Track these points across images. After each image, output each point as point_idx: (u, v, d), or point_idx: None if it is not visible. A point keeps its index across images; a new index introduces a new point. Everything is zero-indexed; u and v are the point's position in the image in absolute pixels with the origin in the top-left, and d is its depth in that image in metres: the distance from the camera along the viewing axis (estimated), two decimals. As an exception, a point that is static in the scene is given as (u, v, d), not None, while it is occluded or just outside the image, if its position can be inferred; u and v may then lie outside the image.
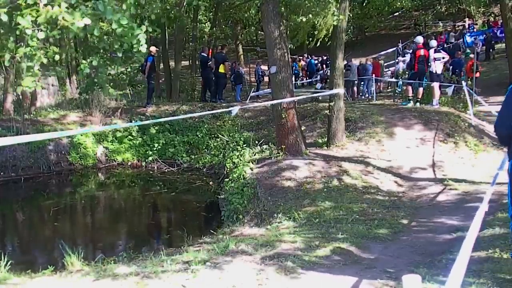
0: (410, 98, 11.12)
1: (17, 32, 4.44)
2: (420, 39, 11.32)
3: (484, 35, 21.95)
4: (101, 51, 5.41)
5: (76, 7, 4.33)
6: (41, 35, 4.39)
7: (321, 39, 13.13)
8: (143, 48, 4.85)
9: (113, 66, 5.73)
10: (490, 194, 2.94)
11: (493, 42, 21.60)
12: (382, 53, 20.67)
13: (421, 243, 4.52)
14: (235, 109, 5.78)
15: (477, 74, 12.81)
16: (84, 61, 4.71)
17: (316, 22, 8.48)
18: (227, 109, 7.10)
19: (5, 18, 4.08)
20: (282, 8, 8.02)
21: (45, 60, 4.73)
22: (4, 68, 10.38)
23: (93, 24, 4.32)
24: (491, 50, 21.36)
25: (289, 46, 8.93)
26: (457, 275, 1.88)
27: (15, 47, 4.72)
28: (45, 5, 4.14)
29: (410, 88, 11.22)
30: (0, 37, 4.77)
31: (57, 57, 4.91)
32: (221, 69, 13.33)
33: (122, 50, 4.98)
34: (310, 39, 14.46)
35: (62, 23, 4.08)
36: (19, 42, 5.15)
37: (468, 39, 22.55)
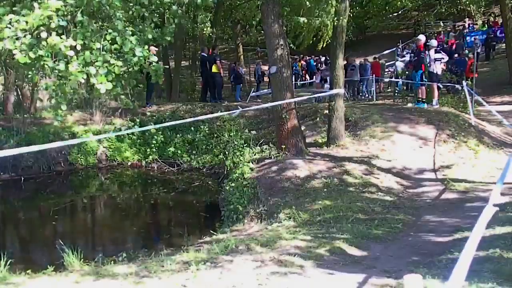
0: (424, 99, 10.83)
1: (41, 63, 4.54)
2: (423, 38, 11.20)
3: (484, 35, 21.94)
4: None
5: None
6: (62, 67, 4.48)
7: (326, 41, 13.17)
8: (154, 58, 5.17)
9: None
10: (499, 192, 2.92)
11: (493, 42, 21.58)
12: (384, 53, 20.66)
13: (421, 243, 4.52)
14: (237, 111, 5.83)
15: (475, 74, 12.79)
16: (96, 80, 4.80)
17: (320, 24, 8.47)
18: (230, 112, 7.15)
19: (24, 59, 4.30)
20: (286, 8, 8.01)
21: (68, 89, 4.81)
22: (4, 68, 10.39)
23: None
24: (491, 50, 21.34)
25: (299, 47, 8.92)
26: (460, 272, 1.88)
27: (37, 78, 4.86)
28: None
29: (424, 89, 10.92)
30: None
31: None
32: (214, 69, 13.41)
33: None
34: (315, 39, 14.48)
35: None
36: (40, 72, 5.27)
37: (468, 39, 22.54)
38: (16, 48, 4.29)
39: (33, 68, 4.73)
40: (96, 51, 4.70)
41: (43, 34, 4.38)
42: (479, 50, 18.65)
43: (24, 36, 4.34)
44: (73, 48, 4.49)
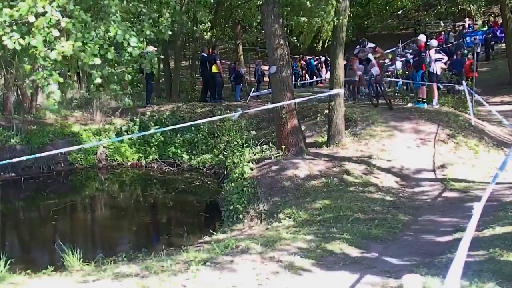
0: (424, 100, 10.78)
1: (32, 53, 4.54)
2: (424, 38, 11.19)
3: (484, 35, 21.93)
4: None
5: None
6: (54, 55, 4.47)
7: (326, 41, 13.21)
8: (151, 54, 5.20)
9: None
10: (489, 193, 2.93)
11: (493, 42, 21.57)
12: (384, 53, 20.63)
13: (421, 243, 4.52)
14: (237, 114, 5.86)
15: (475, 74, 12.77)
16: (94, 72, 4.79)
17: (320, 24, 8.46)
18: (230, 115, 7.16)
19: (13, 45, 4.29)
20: (286, 8, 8.01)
21: (61, 79, 4.80)
22: (4, 68, 10.40)
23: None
24: (490, 50, 21.34)
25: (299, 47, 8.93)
26: (456, 269, 1.88)
27: (31, 70, 4.85)
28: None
29: (425, 89, 10.87)
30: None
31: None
32: (214, 69, 13.44)
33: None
34: (317, 41, 14.56)
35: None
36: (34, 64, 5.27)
37: (468, 39, 22.53)
38: (5, 34, 4.29)
39: (25, 58, 4.73)
40: (89, 36, 4.69)
41: (31, 19, 4.37)
42: (478, 50, 18.63)
43: (15, 24, 4.34)
44: (58, 26, 4.47)
